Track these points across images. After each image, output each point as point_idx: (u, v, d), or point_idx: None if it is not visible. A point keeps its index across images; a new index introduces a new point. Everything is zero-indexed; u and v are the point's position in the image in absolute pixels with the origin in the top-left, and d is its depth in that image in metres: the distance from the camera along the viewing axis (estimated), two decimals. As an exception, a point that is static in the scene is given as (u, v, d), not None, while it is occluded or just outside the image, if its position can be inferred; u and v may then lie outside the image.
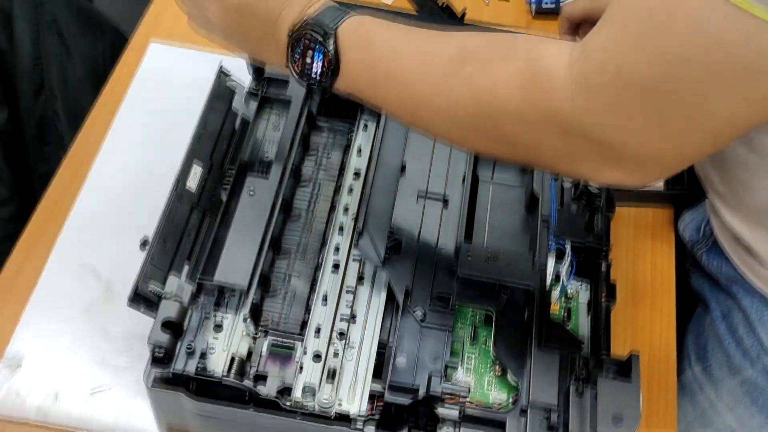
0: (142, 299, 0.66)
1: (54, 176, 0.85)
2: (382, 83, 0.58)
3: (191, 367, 0.62)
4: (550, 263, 0.70)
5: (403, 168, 0.76)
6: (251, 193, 0.72)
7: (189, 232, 0.72)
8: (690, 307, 0.87)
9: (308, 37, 0.58)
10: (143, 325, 0.72)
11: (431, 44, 0.57)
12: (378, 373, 0.66)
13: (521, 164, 0.64)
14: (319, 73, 0.59)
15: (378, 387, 0.65)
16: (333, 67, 0.58)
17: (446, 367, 0.64)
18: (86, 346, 0.74)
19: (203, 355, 0.63)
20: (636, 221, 0.88)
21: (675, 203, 0.88)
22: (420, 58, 0.56)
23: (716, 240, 0.79)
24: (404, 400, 0.62)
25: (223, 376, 0.63)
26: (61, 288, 0.78)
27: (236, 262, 0.68)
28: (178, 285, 0.67)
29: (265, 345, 0.67)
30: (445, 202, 0.74)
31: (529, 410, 0.62)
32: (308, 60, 0.59)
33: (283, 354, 0.67)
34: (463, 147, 0.58)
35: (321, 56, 0.58)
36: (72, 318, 0.76)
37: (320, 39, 0.58)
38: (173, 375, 0.62)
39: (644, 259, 0.85)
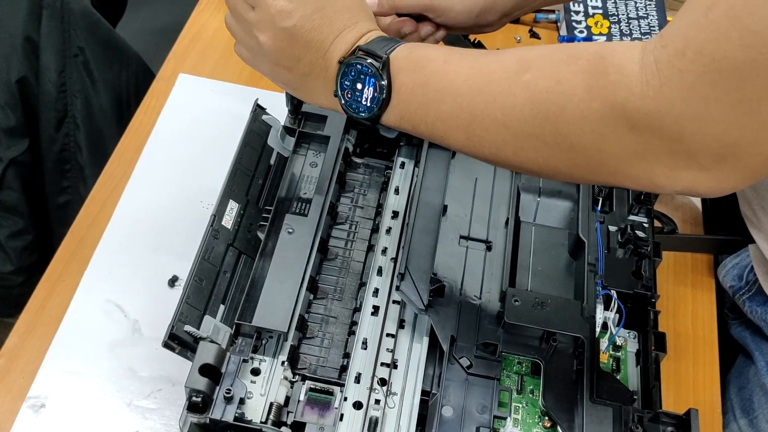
0: (177, 340, 0.63)
1: (80, 210, 0.83)
2: (434, 100, 0.56)
3: (229, 415, 0.59)
4: (599, 311, 0.68)
5: (444, 210, 0.74)
6: (290, 231, 0.70)
7: (225, 271, 0.69)
8: (729, 355, 0.85)
9: (361, 63, 0.57)
10: (172, 366, 0.70)
11: (486, 58, 0.56)
12: (421, 422, 0.63)
13: (580, 179, 0.61)
14: (369, 99, 0.58)
15: (422, 442, 0.63)
16: (384, 93, 0.57)
17: (494, 418, 0.62)
18: (112, 387, 0.71)
19: (241, 401, 0.61)
20: (675, 268, 0.85)
21: (715, 250, 0.86)
22: (476, 70, 0.55)
23: (760, 287, 0.77)
24: (452, 454, 0.59)
25: (261, 423, 0.60)
26: (86, 326, 0.75)
27: (276, 304, 0.66)
28: (214, 326, 0.65)
29: (303, 391, 0.64)
30: (488, 245, 0.72)
31: (583, 468, 0.59)
32: (359, 87, 0.58)
33: (321, 401, 0.64)
34: (518, 162, 0.55)
35: (373, 81, 0.57)
36: (98, 357, 0.73)
37: (373, 64, 0.57)
38: (211, 422, 0.59)
39: (685, 308, 0.83)
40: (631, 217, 0.75)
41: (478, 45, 1.02)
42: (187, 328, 0.64)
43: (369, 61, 0.57)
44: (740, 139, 0.46)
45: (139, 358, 0.73)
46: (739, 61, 0.44)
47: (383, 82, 0.57)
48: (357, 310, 0.70)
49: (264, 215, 0.72)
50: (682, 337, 0.81)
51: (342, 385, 0.64)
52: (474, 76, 0.55)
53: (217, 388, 0.60)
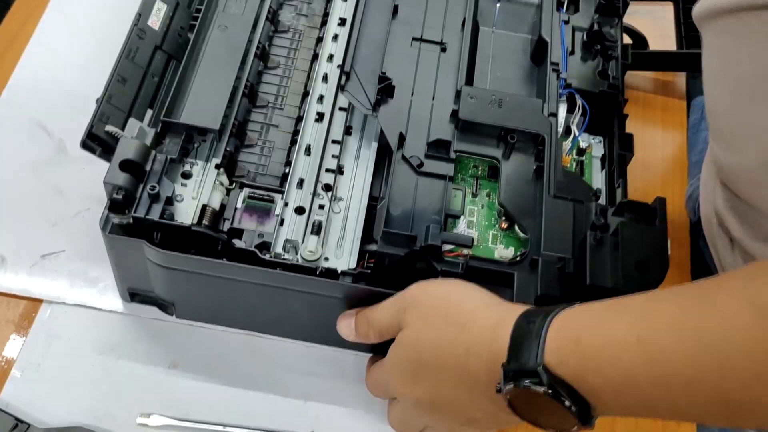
0: (98, 141, 0.57)
1: (-2, 27, 0.76)
2: (653, 397, 0.41)
3: (155, 213, 0.54)
4: (562, 111, 0.63)
5: (395, 11, 0.67)
6: (223, 28, 0.63)
7: (152, 74, 0.63)
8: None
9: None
10: (101, 185, 0.64)
11: (687, 319, 0.40)
12: (368, 234, 0.59)
13: None
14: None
15: (370, 247, 0.58)
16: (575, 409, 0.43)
17: (446, 217, 0.57)
18: (36, 207, 0.66)
19: (169, 202, 0.55)
20: (645, 104, 0.80)
21: (687, 67, 0.80)
22: (687, 341, 0.39)
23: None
24: (399, 251, 0.55)
25: (192, 225, 0.55)
26: (7, 145, 0.69)
27: (207, 103, 0.60)
28: (139, 129, 0.58)
29: (240, 198, 0.59)
30: (443, 47, 0.66)
31: (540, 260, 0.54)
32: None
33: (260, 208, 0.59)
34: None
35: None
36: (18, 177, 0.67)
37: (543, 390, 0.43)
38: (134, 221, 0.54)
39: (654, 141, 0.78)
40: (599, 19, 0.69)
41: None
42: (109, 128, 0.58)
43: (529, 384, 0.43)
44: None
45: (65, 178, 0.68)
46: None
47: (568, 404, 0.42)
48: (300, 119, 0.64)
49: (195, 14, 0.66)
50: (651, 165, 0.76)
51: (283, 193, 0.59)
52: (694, 352, 0.39)
53: (141, 185, 0.55)
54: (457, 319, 0.48)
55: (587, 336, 0.42)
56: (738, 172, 0.60)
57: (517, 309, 0.47)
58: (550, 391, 0.42)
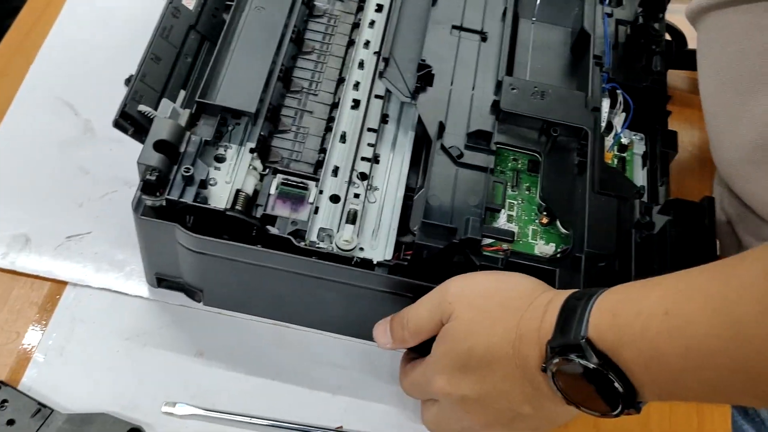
0: (131, 121, 0.56)
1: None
2: (683, 370, 0.40)
3: (189, 196, 0.53)
4: (605, 105, 0.61)
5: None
6: (260, 9, 0.62)
7: (186, 55, 0.61)
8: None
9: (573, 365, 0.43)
10: (128, 167, 0.62)
11: (714, 288, 0.39)
12: (404, 225, 0.57)
13: None
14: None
15: (405, 239, 0.56)
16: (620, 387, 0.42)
17: (486, 210, 0.55)
18: (62, 188, 0.64)
19: (203, 185, 0.54)
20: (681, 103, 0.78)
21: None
22: (714, 311, 0.39)
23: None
24: (439, 243, 0.53)
25: (226, 209, 0.54)
26: (32, 123, 0.67)
27: (242, 85, 0.58)
28: (172, 109, 0.57)
29: (274, 184, 0.57)
30: (483, 36, 0.64)
31: (583, 257, 0.53)
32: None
33: (294, 195, 0.57)
34: None
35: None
36: (45, 156, 0.66)
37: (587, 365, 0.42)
38: (168, 203, 0.52)
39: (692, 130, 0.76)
40: (643, 12, 0.67)
41: None
42: (142, 107, 0.56)
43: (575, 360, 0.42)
44: None
45: (92, 158, 0.66)
46: None
47: (614, 381, 0.42)
48: (335, 106, 0.63)
49: (230, -4, 0.64)
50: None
51: (317, 180, 0.58)
52: (715, 322, 0.38)
53: (175, 167, 0.53)
54: (513, 305, 0.47)
55: (621, 310, 0.42)
56: (728, 168, 0.60)
57: (567, 292, 0.46)
58: (592, 366, 0.41)
